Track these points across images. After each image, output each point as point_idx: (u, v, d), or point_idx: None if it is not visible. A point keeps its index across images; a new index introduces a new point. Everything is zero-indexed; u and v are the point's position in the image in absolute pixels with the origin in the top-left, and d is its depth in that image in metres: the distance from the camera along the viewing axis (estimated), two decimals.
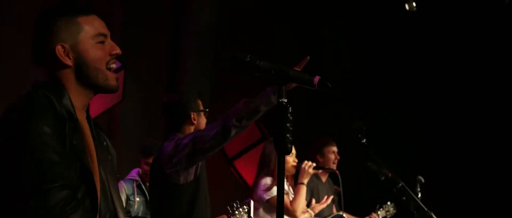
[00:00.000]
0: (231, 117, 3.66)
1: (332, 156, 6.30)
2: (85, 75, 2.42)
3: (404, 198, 5.84)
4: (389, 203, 6.59)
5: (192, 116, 4.25)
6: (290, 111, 2.34)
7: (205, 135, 3.79)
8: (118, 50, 2.48)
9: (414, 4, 7.39)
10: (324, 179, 6.41)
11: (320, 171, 6.15)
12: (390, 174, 5.74)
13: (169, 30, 8.22)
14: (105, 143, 2.57)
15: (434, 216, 5.26)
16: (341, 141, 6.46)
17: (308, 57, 3.65)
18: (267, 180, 5.34)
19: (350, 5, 8.61)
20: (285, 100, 2.35)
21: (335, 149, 6.33)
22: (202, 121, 4.37)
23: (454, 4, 8.05)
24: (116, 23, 8.32)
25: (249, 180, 7.95)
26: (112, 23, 8.38)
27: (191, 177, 4.04)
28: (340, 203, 6.17)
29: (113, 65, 2.48)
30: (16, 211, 2.17)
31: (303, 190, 5.33)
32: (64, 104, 2.31)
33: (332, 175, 6.36)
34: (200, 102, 4.36)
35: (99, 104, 7.11)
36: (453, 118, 8.25)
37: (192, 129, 4.25)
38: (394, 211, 6.65)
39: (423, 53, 8.38)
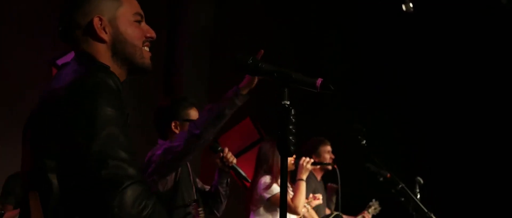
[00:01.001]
0: (198, 125, 3.64)
1: (327, 156, 6.29)
2: (121, 52, 2.28)
3: (403, 199, 5.84)
4: (374, 200, 6.64)
5: (173, 124, 4.20)
6: (293, 113, 2.33)
7: (175, 146, 3.76)
8: (153, 34, 2.38)
9: (410, 5, 7.40)
10: (319, 177, 6.40)
11: (318, 166, 6.13)
12: (389, 175, 5.74)
13: (165, 32, 8.22)
14: None
15: (433, 217, 5.26)
16: (338, 141, 6.46)
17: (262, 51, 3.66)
18: (266, 179, 5.34)
19: (347, 6, 8.62)
20: (288, 103, 2.34)
21: (329, 148, 6.32)
22: None
23: (452, 5, 8.07)
24: None
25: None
26: None
27: (170, 184, 4.03)
28: (337, 201, 6.18)
29: (147, 48, 2.36)
30: (97, 209, 2.00)
31: (303, 186, 5.35)
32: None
33: (329, 173, 6.35)
34: (190, 112, 4.27)
35: None
36: (452, 119, 8.27)
37: None
38: (379, 207, 6.70)
39: (421, 54, 8.40)
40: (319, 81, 2.35)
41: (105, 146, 1.99)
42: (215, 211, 4.48)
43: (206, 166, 4.69)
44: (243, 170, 4.43)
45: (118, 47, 2.28)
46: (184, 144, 3.70)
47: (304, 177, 5.38)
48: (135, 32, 2.31)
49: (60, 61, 7.68)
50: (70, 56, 7.95)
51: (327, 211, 6.49)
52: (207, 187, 4.55)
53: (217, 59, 8.13)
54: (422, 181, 5.54)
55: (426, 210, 5.22)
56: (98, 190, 1.98)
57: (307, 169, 5.39)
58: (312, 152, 6.17)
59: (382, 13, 8.31)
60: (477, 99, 8.12)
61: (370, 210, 6.59)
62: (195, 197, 4.20)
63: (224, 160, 4.30)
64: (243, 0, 8.58)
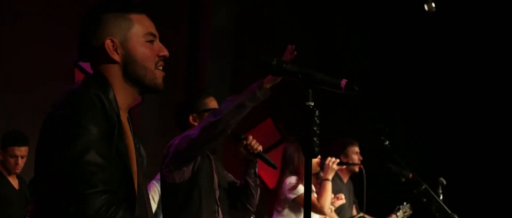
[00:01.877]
0: (216, 113, 3.65)
1: (355, 157, 6.22)
2: (132, 73, 2.35)
3: (425, 200, 5.80)
4: (405, 203, 6.48)
5: (191, 118, 4.19)
6: (317, 114, 2.33)
7: (192, 133, 3.77)
8: (166, 52, 2.42)
9: (433, 4, 7.36)
10: (345, 179, 6.34)
11: (344, 167, 6.07)
12: (411, 175, 5.71)
13: (186, 33, 8.24)
14: (137, 145, 2.50)
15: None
16: (360, 141, 6.43)
17: (293, 46, 3.67)
18: (292, 179, 5.34)
19: (369, 5, 8.59)
20: (312, 104, 2.34)
21: (358, 149, 6.26)
22: None
23: (476, 3, 8.00)
24: None
25: (269, 181, 7.97)
26: None
27: (188, 175, 3.98)
28: (361, 202, 6.13)
29: (160, 67, 2.41)
30: (56, 215, 2.11)
31: (329, 186, 5.34)
32: (113, 107, 2.26)
33: (356, 175, 6.28)
34: (207, 101, 4.24)
35: None
36: (476, 119, 8.20)
37: None
38: (411, 211, 6.57)
39: (446, 52, 8.33)
40: (343, 82, 2.33)
41: (73, 160, 2.09)
42: (249, 206, 4.38)
43: (227, 167, 4.66)
44: (264, 170, 4.41)
45: (129, 68, 2.35)
46: (200, 131, 3.71)
47: (330, 177, 5.37)
48: (146, 53, 2.37)
49: (82, 63, 7.74)
50: None
51: (354, 212, 6.43)
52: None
53: (239, 59, 8.14)
54: (445, 182, 5.50)
55: (449, 211, 5.18)
56: (62, 199, 2.09)
57: (333, 169, 5.38)
58: (340, 152, 6.12)
59: (405, 13, 8.26)
60: (503, 100, 8.05)
61: (398, 214, 6.41)
62: (217, 193, 4.16)
63: (248, 147, 4.20)
64: (265, 0, 8.59)
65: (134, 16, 2.39)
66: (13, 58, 7.67)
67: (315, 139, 2.31)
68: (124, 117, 2.34)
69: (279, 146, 7.98)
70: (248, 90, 3.63)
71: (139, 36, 2.37)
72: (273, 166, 4.33)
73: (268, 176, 7.79)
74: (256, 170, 4.33)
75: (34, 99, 7.67)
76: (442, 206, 5.25)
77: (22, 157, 6.15)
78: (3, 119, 7.36)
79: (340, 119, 8.13)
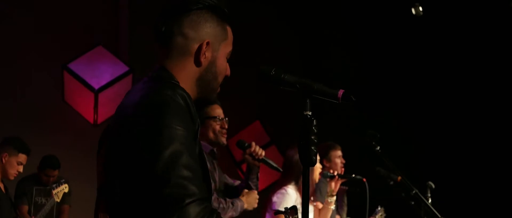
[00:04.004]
0: None
1: (339, 161, 6.15)
2: (207, 80, 2.32)
3: (413, 203, 5.82)
4: (379, 207, 6.33)
5: None
6: (315, 123, 2.37)
7: None
8: (229, 73, 2.42)
9: (420, 8, 7.43)
10: None
11: (346, 179, 5.73)
12: (399, 178, 5.72)
13: None
14: None
15: None
16: (348, 144, 6.43)
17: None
18: (289, 189, 5.12)
19: (354, 9, 8.64)
20: (310, 113, 2.38)
21: (340, 153, 6.20)
22: (212, 127, 4.40)
23: (461, 7, 8.06)
24: (124, 29, 8.38)
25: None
26: (119, 28, 8.44)
27: None
28: (364, 212, 6.03)
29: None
30: None
31: (329, 213, 5.29)
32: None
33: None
34: (208, 110, 4.35)
35: (111, 107, 7.17)
36: (464, 123, 8.26)
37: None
38: (384, 214, 6.50)
39: (433, 57, 8.39)
40: (340, 92, 2.39)
41: (168, 164, 2.00)
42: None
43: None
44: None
45: (207, 75, 2.33)
46: None
47: (333, 199, 5.31)
48: (224, 68, 2.38)
49: (71, 65, 7.73)
50: (81, 60, 7.98)
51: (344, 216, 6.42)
52: (237, 182, 4.63)
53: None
54: (433, 186, 5.53)
55: (439, 215, 5.20)
56: (160, 207, 1.99)
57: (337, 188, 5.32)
58: (323, 157, 6.05)
59: (391, 16, 8.32)
60: (490, 104, 8.12)
61: (377, 217, 6.40)
62: (218, 188, 4.30)
63: (253, 154, 4.39)
64: (250, 2, 8.61)
65: (229, 30, 2.40)
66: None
67: (313, 148, 2.36)
68: None
69: (266, 149, 7.99)
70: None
71: (226, 50, 2.38)
72: (278, 169, 4.62)
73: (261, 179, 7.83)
74: (258, 174, 4.54)
75: (21, 103, 7.68)
76: (432, 209, 5.27)
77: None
78: None
79: (327, 124, 8.15)
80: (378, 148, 5.43)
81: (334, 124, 8.19)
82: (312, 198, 5.34)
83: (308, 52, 9.02)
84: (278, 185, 5.23)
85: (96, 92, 7.70)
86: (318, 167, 5.25)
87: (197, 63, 2.30)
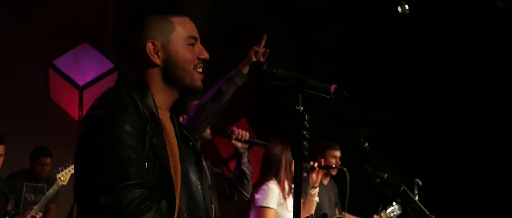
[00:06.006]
0: (200, 104, 3.82)
1: (333, 161, 6.16)
2: (172, 75, 2.41)
3: (400, 200, 5.84)
4: (394, 203, 6.37)
5: (181, 119, 4.26)
6: (307, 118, 2.36)
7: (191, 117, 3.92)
8: (206, 55, 2.49)
9: (406, 6, 7.44)
10: (325, 181, 6.30)
11: (326, 170, 5.98)
12: (386, 176, 5.73)
13: None
14: (190, 142, 2.55)
15: None
16: (338, 142, 6.43)
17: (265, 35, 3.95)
18: (271, 185, 5.11)
19: (343, 7, 8.64)
20: (302, 108, 2.37)
21: (338, 153, 6.20)
22: None
23: (448, 6, 8.10)
24: (110, 26, 8.34)
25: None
26: (105, 25, 8.40)
27: None
28: (343, 203, 6.07)
29: (200, 69, 2.48)
30: (89, 207, 2.16)
31: (314, 205, 5.28)
32: (147, 105, 2.29)
33: (338, 176, 6.22)
34: (190, 106, 4.37)
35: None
36: (451, 120, 8.29)
37: None
38: (400, 211, 6.41)
39: (420, 55, 8.41)
40: (333, 87, 2.37)
41: (108, 153, 2.16)
42: (245, 192, 4.67)
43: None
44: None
45: (169, 70, 2.41)
46: (187, 123, 3.87)
47: (317, 191, 5.29)
48: (187, 56, 2.43)
49: (56, 62, 7.68)
50: (66, 57, 7.92)
51: (337, 213, 6.40)
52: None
53: (213, 59, 8.12)
54: (420, 183, 5.53)
55: (427, 212, 5.21)
56: (97, 191, 2.13)
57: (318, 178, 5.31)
58: (319, 154, 6.06)
59: (379, 14, 8.33)
60: (476, 101, 8.15)
61: (382, 214, 6.34)
62: (209, 185, 4.28)
63: (239, 137, 4.45)
64: (240, 0, 8.60)
65: (176, 19, 2.44)
66: None
67: (305, 142, 2.35)
68: (164, 115, 2.39)
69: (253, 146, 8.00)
70: (225, 78, 3.79)
71: (180, 39, 2.43)
72: (265, 145, 4.74)
73: None
74: (248, 157, 4.60)
75: (6, 100, 7.62)
76: (420, 206, 5.27)
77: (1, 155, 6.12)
78: None
79: (318, 121, 8.15)
80: (367, 144, 5.44)
81: (329, 122, 8.20)
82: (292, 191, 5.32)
83: (299, 50, 9.00)
84: (259, 182, 5.21)
85: (81, 89, 7.65)
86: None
87: (153, 64, 2.40)
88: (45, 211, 7.09)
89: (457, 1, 8.04)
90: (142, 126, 2.23)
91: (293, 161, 4.98)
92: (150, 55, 2.39)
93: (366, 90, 8.28)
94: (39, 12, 7.96)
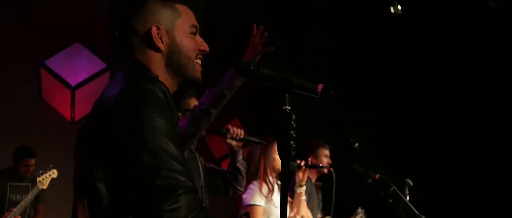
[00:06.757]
0: (198, 107, 3.81)
1: (325, 159, 6.21)
2: (175, 62, 2.30)
3: (391, 201, 5.84)
4: (359, 208, 6.41)
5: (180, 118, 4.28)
6: (294, 118, 2.36)
7: (180, 127, 3.86)
8: (207, 47, 2.40)
9: (399, 7, 7.45)
10: (313, 179, 6.32)
11: (313, 169, 6.03)
12: (377, 176, 5.74)
13: None
14: None
15: None
16: (329, 142, 6.45)
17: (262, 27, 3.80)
18: (254, 185, 5.19)
19: (336, 7, 8.64)
20: (289, 108, 2.36)
21: (328, 152, 6.26)
22: None
23: (439, 7, 8.11)
24: (102, 25, 8.32)
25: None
26: (98, 25, 8.38)
27: None
28: (330, 204, 6.10)
29: (200, 61, 2.38)
30: (149, 215, 2.01)
31: (301, 204, 5.29)
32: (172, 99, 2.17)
33: (325, 177, 6.25)
34: (190, 102, 4.36)
35: (88, 104, 7.12)
36: (442, 121, 8.30)
37: None
38: (365, 216, 6.47)
39: (412, 55, 8.42)
40: (320, 87, 2.37)
41: (157, 156, 2.01)
42: (239, 187, 4.69)
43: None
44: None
45: (173, 57, 2.30)
46: (188, 124, 3.87)
47: (304, 189, 5.32)
48: (190, 44, 2.33)
49: (48, 62, 7.66)
50: (58, 57, 7.91)
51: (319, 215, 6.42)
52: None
53: (206, 59, 8.11)
54: (411, 183, 5.55)
55: (417, 213, 5.22)
56: (152, 198, 1.99)
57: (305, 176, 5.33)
58: (310, 153, 6.11)
59: (371, 15, 8.34)
60: (467, 102, 8.17)
61: None
62: (202, 184, 4.34)
63: (234, 136, 4.46)
64: (232, 0, 8.60)
65: (180, 7, 2.35)
66: None
67: (291, 142, 2.35)
68: None
69: (245, 146, 8.01)
70: (224, 80, 3.78)
71: (184, 26, 2.33)
72: (261, 143, 4.82)
73: None
74: (243, 155, 4.65)
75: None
76: (410, 207, 5.29)
77: None
78: None
79: (308, 120, 8.16)
80: (357, 144, 5.45)
81: (320, 121, 8.21)
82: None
83: (292, 49, 9.00)
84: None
85: (73, 89, 7.64)
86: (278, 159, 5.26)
87: (157, 49, 2.28)
88: (34, 211, 7.08)
89: (449, 2, 8.05)
90: (175, 121, 2.16)
91: (275, 158, 5.12)
92: (154, 39, 2.26)
93: (354, 90, 8.29)
94: (30, 12, 7.93)
